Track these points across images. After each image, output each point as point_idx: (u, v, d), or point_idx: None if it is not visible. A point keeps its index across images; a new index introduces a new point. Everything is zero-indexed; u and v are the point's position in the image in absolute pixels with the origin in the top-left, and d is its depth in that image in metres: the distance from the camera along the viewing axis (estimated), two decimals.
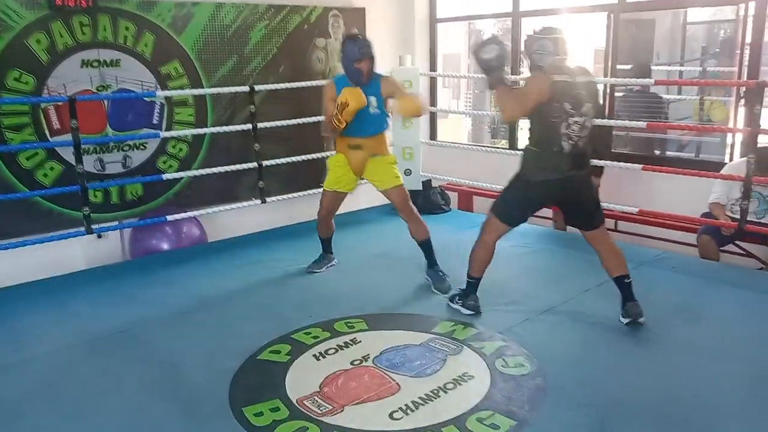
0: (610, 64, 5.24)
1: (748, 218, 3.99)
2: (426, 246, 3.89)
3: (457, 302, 3.51)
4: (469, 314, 3.42)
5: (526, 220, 3.40)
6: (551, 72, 3.02)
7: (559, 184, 3.14)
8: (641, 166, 4.40)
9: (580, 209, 3.31)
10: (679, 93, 6.41)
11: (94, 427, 2.51)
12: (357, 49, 3.65)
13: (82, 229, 4.09)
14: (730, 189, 4.22)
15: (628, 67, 5.57)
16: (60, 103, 4.26)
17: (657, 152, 5.49)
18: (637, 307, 3.27)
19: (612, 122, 4.67)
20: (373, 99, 3.70)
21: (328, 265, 4.16)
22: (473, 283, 3.46)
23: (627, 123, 4.76)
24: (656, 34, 7.40)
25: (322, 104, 3.86)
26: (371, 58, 3.69)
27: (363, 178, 3.93)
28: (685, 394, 2.66)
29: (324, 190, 3.96)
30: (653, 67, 6.42)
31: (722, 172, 4.30)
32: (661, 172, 4.47)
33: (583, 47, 7.03)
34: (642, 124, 4.49)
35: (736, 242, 4.37)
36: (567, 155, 3.07)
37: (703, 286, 3.85)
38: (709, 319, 3.40)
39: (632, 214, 4.54)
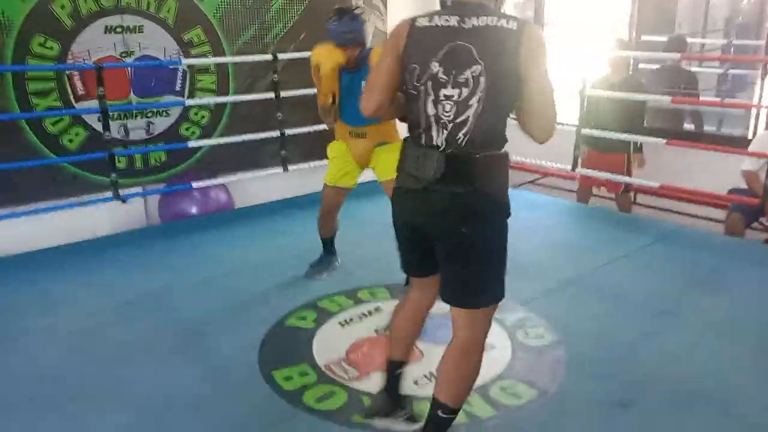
0: (633, 35, 5.20)
1: None
2: None
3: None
4: None
5: (411, 266, 2.16)
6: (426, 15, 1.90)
7: (422, 201, 1.90)
8: (665, 140, 4.38)
9: (455, 258, 1.91)
10: (700, 65, 6.34)
11: (129, 389, 2.59)
12: (340, 32, 3.03)
13: (109, 194, 4.15)
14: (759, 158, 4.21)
15: (663, 39, 5.51)
16: (85, 70, 4.28)
17: (689, 126, 5.42)
18: None
19: (637, 96, 4.61)
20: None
21: (331, 269, 3.66)
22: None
23: (650, 97, 4.71)
24: (678, 4, 7.30)
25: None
26: (358, 45, 3.08)
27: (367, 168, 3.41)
28: (704, 371, 2.71)
29: (325, 185, 3.43)
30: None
31: (752, 144, 4.30)
32: (685, 146, 4.46)
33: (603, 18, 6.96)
34: (667, 99, 4.47)
35: (760, 219, 4.37)
36: (437, 155, 1.84)
37: (724, 262, 3.87)
38: (729, 296, 3.43)
39: (654, 188, 4.53)
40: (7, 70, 4.05)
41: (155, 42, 4.62)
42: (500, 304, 2.66)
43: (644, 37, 5.20)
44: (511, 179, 5.07)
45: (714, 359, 2.78)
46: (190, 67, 4.79)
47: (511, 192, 2.00)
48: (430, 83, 1.84)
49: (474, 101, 1.80)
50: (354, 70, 3.10)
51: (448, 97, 1.82)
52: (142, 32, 4.55)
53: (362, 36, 3.08)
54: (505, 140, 1.90)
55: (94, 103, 4.19)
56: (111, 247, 4.15)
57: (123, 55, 4.50)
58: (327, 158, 3.45)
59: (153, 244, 4.19)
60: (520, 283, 3.51)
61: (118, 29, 4.46)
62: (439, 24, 1.85)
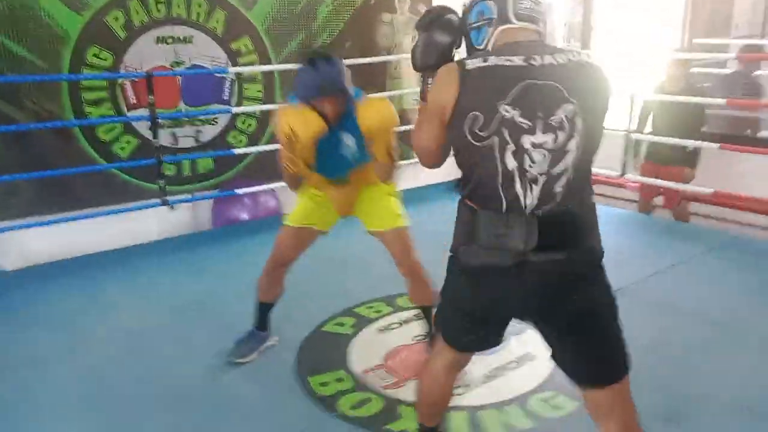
0: (687, 36, 5.04)
1: None
2: (428, 312, 2.74)
3: None
4: None
5: (477, 346, 1.86)
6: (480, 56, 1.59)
7: (514, 278, 1.58)
8: (719, 144, 4.21)
9: (573, 334, 1.65)
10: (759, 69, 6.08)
11: (169, 389, 2.65)
12: (316, 84, 2.32)
13: (157, 200, 4.25)
14: None
15: (718, 41, 5.33)
16: (136, 79, 4.41)
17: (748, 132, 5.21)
18: None
19: (692, 99, 4.39)
20: (348, 138, 2.47)
21: (261, 349, 2.88)
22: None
23: (705, 100, 4.50)
24: (735, 5, 7.03)
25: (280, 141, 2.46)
26: (339, 95, 2.37)
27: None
28: (759, 387, 2.57)
29: (284, 225, 2.73)
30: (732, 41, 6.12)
31: None
32: (739, 151, 4.29)
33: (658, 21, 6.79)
34: (721, 101, 4.30)
35: None
36: (527, 218, 1.54)
37: None
38: None
39: (707, 195, 4.37)
40: (62, 79, 4.21)
41: (204, 52, 4.73)
42: None
43: (696, 40, 5.02)
44: None
45: None
46: (237, 75, 4.87)
47: None
48: (505, 131, 1.51)
49: (572, 146, 1.53)
50: (334, 124, 2.40)
51: (537, 145, 1.51)
52: (191, 42, 4.67)
53: (343, 84, 2.38)
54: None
55: (145, 112, 4.31)
56: (160, 252, 4.26)
57: (173, 65, 4.61)
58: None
59: (200, 250, 4.27)
60: None
61: (169, 40, 4.58)
62: (499, 64, 1.54)
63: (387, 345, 2.92)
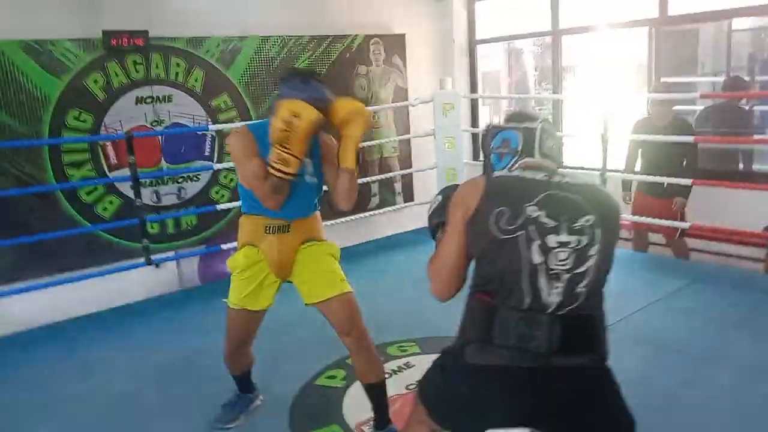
0: (652, 77, 5.20)
1: None
2: (378, 391, 2.56)
3: None
4: None
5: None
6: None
7: (530, 382, 1.56)
8: (691, 180, 4.33)
9: None
10: None
11: None
12: (306, 95, 2.25)
13: (142, 260, 4.24)
14: None
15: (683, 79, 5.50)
16: (117, 140, 4.45)
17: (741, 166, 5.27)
18: None
19: (663, 138, 4.50)
20: (309, 162, 2.39)
21: (248, 410, 2.83)
22: None
23: (677, 138, 4.60)
24: (700, 43, 7.31)
25: (239, 163, 2.36)
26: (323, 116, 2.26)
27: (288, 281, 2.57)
28: (749, 418, 2.61)
29: (229, 307, 2.54)
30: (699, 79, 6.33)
31: None
32: (713, 185, 4.41)
33: (624, 62, 7.03)
34: (689, 138, 4.42)
35: None
36: (549, 318, 1.54)
37: (765, 301, 3.76)
38: None
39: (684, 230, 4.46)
40: (42, 143, 4.24)
41: (184, 110, 4.80)
42: None
43: (663, 79, 5.19)
44: None
45: (760, 405, 2.67)
46: (218, 132, 4.94)
47: None
48: (532, 227, 1.54)
49: (594, 252, 1.55)
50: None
51: (563, 244, 1.53)
52: (171, 101, 4.74)
53: (328, 107, 2.31)
54: None
55: (127, 172, 4.34)
56: (146, 311, 4.22)
57: (154, 123, 4.67)
58: (234, 270, 2.56)
59: (187, 307, 4.25)
60: None
61: (149, 99, 4.64)
62: (522, 176, 1.63)
63: None
